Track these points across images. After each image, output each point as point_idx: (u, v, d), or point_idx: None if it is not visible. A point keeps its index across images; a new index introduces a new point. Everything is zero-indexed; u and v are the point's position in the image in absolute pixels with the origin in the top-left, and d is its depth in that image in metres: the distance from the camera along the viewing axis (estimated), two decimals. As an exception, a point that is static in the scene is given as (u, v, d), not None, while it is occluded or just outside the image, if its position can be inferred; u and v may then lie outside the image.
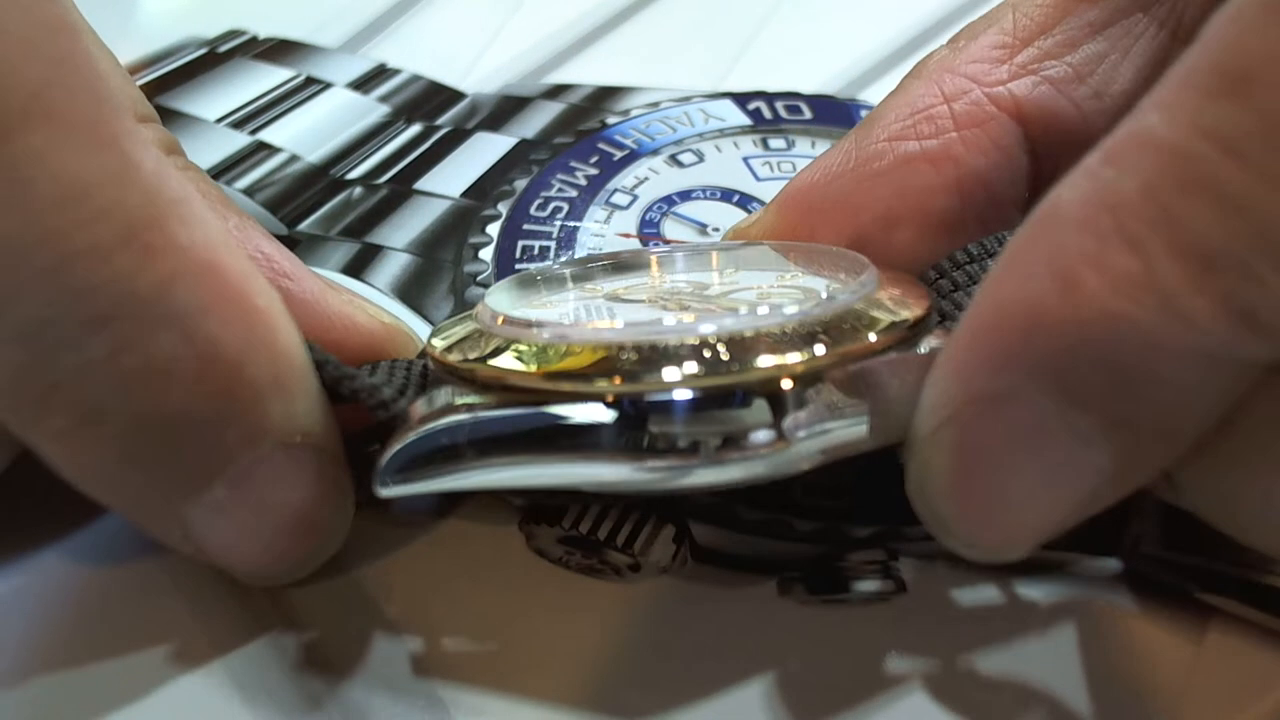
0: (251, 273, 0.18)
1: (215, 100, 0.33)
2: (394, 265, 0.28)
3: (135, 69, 0.34)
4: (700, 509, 0.21)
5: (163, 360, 0.16)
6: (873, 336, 0.17)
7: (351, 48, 0.35)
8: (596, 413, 0.16)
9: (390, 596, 0.20)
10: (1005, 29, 0.22)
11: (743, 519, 0.21)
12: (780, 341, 0.17)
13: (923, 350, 0.18)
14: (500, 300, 0.20)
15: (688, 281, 0.21)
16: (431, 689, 0.19)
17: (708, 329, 0.17)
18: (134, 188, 0.16)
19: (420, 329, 0.24)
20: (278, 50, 0.35)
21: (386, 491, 0.18)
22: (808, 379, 0.16)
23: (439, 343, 0.19)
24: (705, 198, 0.30)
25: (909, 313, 0.18)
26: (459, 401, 0.18)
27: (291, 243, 0.28)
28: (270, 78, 0.34)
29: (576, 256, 0.28)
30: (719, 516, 0.21)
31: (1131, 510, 0.21)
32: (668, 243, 0.28)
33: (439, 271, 0.27)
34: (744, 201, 0.29)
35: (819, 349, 0.17)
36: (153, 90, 0.33)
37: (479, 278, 0.27)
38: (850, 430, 0.17)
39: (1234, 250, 0.15)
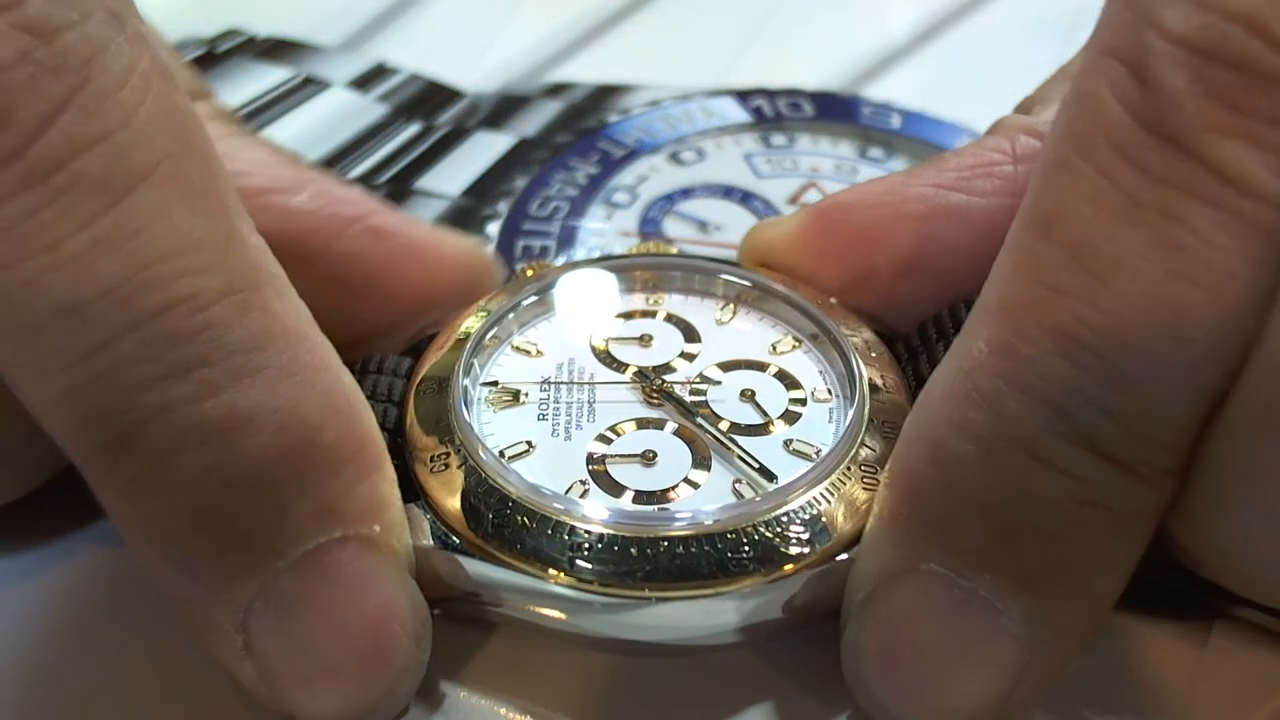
0: (337, 360, 0.18)
1: (214, 100, 0.33)
2: (393, 265, 0.28)
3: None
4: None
5: (245, 409, 0.16)
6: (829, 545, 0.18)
7: (350, 47, 0.35)
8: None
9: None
10: None
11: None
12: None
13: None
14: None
15: (680, 318, 0.21)
16: (430, 691, 0.19)
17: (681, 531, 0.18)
18: (237, 253, 0.17)
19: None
20: (276, 49, 0.35)
21: None
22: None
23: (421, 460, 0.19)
24: (706, 195, 0.30)
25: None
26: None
27: (290, 243, 0.28)
28: (269, 77, 0.34)
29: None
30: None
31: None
32: (669, 241, 0.28)
33: (438, 272, 0.27)
34: (745, 199, 0.29)
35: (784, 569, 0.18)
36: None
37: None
38: None
39: (1077, 382, 0.15)
